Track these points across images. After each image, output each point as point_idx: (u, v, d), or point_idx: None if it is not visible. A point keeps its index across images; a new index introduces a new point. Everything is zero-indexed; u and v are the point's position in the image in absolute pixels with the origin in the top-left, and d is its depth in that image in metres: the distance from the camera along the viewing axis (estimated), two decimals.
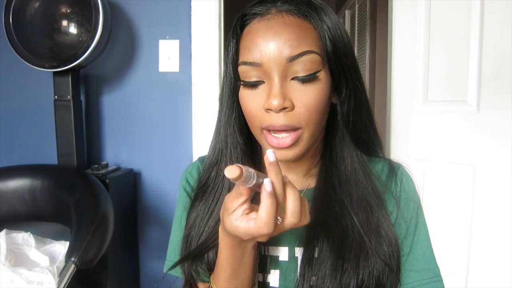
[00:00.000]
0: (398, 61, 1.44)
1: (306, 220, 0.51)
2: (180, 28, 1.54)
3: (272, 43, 0.55)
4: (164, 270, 0.70)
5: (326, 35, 0.57)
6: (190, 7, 1.52)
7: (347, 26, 3.24)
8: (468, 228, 1.32)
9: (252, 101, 0.58)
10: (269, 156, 0.48)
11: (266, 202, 0.46)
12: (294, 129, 0.57)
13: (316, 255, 0.59)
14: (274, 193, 0.47)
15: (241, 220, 0.49)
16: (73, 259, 1.03)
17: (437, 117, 1.38)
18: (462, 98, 1.32)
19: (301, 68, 0.55)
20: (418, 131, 1.42)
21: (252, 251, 0.56)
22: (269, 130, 0.58)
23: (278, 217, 0.49)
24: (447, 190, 1.36)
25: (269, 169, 0.47)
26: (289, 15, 0.57)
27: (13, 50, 1.35)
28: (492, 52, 1.25)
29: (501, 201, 1.26)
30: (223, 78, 0.63)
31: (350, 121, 0.62)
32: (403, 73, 1.43)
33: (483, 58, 1.26)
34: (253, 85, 0.58)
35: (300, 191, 0.66)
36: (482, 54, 1.26)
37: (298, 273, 0.60)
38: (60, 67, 1.34)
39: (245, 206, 0.49)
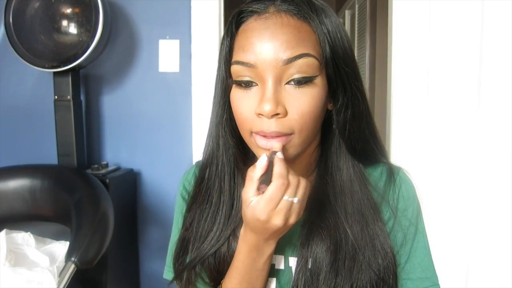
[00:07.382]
0: (398, 61, 1.44)
1: (302, 184, 0.54)
2: (180, 28, 1.53)
3: (268, 45, 0.52)
4: (164, 276, 0.70)
5: (326, 39, 0.54)
6: (190, 7, 1.51)
7: (347, 26, 3.24)
8: (468, 228, 1.32)
9: (243, 104, 0.55)
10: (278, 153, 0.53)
11: (274, 181, 0.51)
12: (285, 135, 0.54)
13: (310, 266, 0.58)
14: (282, 172, 0.51)
15: (256, 201, 0.52)
16: (73, 259, 1.03)
17: (437, 117, 1.38)
18: (462, 98, 1.32)
19: (297, 71, 0.52)
20: (418, 131, 1.42)
21: (268, 260, 0.58)
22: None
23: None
24: (447, 190, 1.36)
25: (276, 161, 0.52)
26: (287, 16, 0.54)
27: (13, 50, 1.35)
28: (492, 52, 1.25)
29: (501, 201, 1.27)
30: (216, 77, 0.61)
31: (347, 130, 0.59)
32: (403, 73, 1.43)
33: (483, 58, 1.26)
34: (246, 85, 0.55)
35: None
36: (482, 54, 1.27)
37: (291, 284, 0.60)
38: (60, 67, 1.35)
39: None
